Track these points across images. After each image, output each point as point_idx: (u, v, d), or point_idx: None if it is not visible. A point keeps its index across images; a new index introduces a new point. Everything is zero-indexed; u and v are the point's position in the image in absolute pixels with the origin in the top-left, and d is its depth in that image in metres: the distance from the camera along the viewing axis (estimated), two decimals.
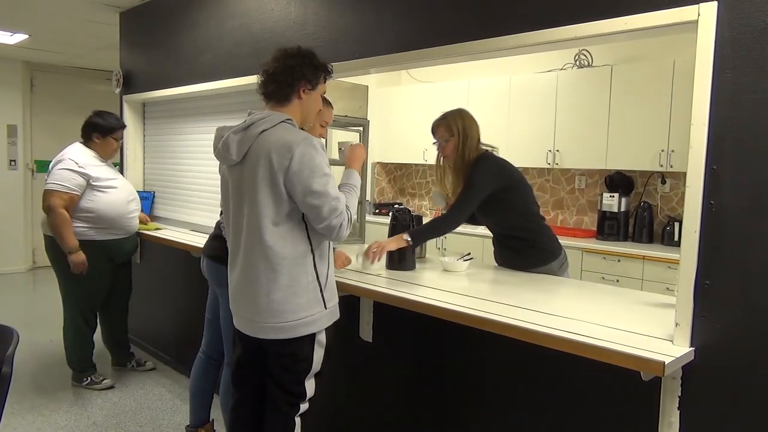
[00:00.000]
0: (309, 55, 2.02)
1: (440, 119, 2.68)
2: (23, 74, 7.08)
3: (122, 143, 3.82)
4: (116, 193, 3.45)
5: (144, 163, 4.75)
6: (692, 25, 1.64)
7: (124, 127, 3.63)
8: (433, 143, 2.71)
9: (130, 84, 4.65)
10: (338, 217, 1.90)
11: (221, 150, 1.98)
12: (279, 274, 1.92)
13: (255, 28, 3.41)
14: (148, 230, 3.91)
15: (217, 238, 2.57)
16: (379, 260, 2.47)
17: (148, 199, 4.51)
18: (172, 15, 4.18)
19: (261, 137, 1.90)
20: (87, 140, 3.50)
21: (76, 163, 3.33)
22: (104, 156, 3.51)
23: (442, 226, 2.62)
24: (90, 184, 3.36)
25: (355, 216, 2.04)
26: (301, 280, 1.94)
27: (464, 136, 2.58)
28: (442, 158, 2.70)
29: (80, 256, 3.32)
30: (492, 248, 2.82)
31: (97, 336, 3.72)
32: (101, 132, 3.46)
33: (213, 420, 2.85)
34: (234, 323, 2.11)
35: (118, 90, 4.72)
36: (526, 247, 2.62)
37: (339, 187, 2.03)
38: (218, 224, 2.57)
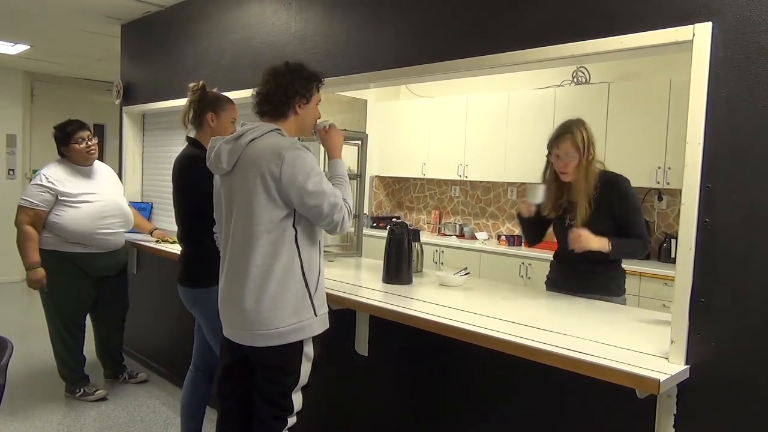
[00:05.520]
0: (298, 70, 2.04)
1: (564, 131, 2.43)
2: (24, 84, 7.11)
3: (98, 144, 3.67)
4: (88, 209, 3.42)
5: (143, 174, 4.76)
6: (687, 45, 1.66)
7: (80, 127, 3.49)
8: (547, 155, 2.50)
9: (130, 95, 4.67)
10: (339, 211, 1.94)
11: (213, 160, 2.02)
12: (268, 281, 1.92)
13: (255, 41, 3.44)
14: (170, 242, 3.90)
15: (179, 262, 2.69)
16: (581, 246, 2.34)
17: (145, 209, 4.51)
18: (174, 28, 4.22)
19: (250, 146, 1.93)
20: (61, 155, 3.53)
21: (47, 178, 3.38)
22: (81, 162, 3.49)
23: (644, 246, 2.41)
24: (59, 199, 3.37)
25: (353, 205, 2.06)
26: (289, 286, 1.94)
27: (589, 152, 2.39)
28: (558, 174, 2.46)
29: (37, 274, 3.35)
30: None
31: (90, 347, 3.71)
32: (62, 143, 3.48)
33: None
34: (223, 331, 2.10)
35: (118, 101, 4.74)
36: (607, 270, 2.49)
37: (329, 180, 2.04)
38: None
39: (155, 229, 4.02)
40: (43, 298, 3.51)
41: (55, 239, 3.39)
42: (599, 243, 2.34)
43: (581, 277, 2.51)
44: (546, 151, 2.51)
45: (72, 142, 3.46)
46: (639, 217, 2.44)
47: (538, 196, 2.50)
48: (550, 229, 2.69)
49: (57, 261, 3.39)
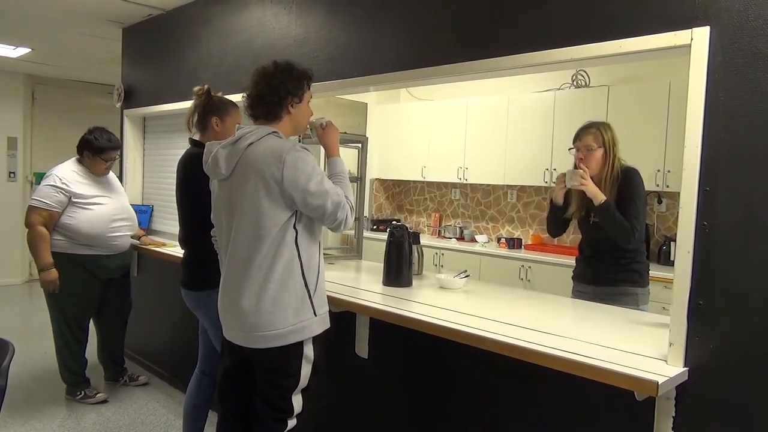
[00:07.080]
0: (288, 69, 2.05)
1: (588, 126, 2.57)
2: (25, 87, 7.13)
3: (119, 159, 3.74)
4: (100, 210, 3.43)
5: (143, 177, 4.77)
6: (685, 49, 1.67)
7: (115, 148, 3.53)
8: (570, 149, 2.59)
9: (131, 98, 4.68)
10: (342, 209, 1.96)
11: (211, 165, 2.02)
12: (268, 282, 1.93)
13: (256, 45, 3.45)
14: (153, 246, 3.89)
15: (182, 265, 2.70)
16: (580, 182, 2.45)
17: (146, 212, 4.52)
18: (175, 31, 4.23)
19: (248, 150, 1.94)
20: (80, 155, 3.51)
21: (60, 179, 3.36)
22: (95, 172, 3.50)
23: (630, 232, 2.42)
24: (72, 201, 3.37)
25: (354, 201, 2.08)
26: (289, 287, 1.95)
27: (613, 148, 2.52)
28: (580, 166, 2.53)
29: (51, 275, 3.34)
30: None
31: (90, 350, 3.71)
32: (91, 151, 3.46)
33: None
34: (224, 333, 2.11)
35: (119, 104, 4.75)
36: (632, 263, 2.54)
37: (329, 178, 2.05)
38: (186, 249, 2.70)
39: (144, 235, 4.04)
40: (49, 300, 3.50)
41: (66, 242, 3.39)
42: (595, 191, 2.43)
43: (608, 269, 2.56)
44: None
45: (100, 156, 3.47)
46: (634, 209, 2.44)
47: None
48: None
49: (66, 264, 3.39)
